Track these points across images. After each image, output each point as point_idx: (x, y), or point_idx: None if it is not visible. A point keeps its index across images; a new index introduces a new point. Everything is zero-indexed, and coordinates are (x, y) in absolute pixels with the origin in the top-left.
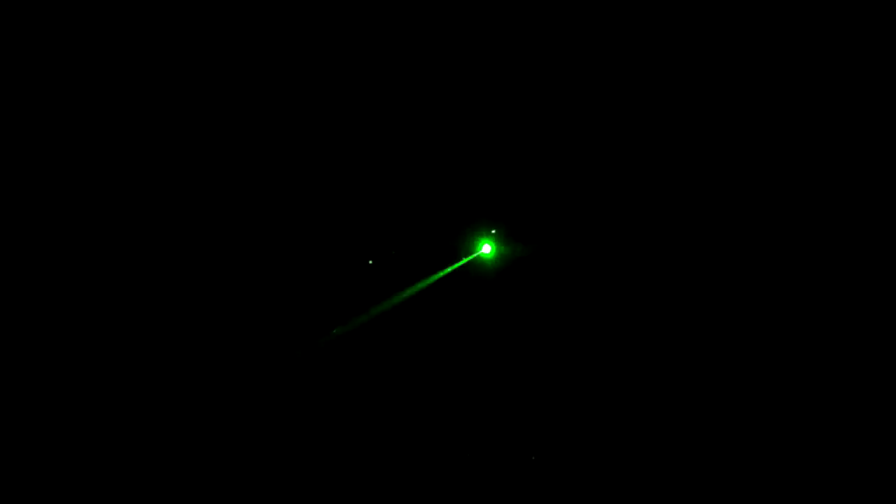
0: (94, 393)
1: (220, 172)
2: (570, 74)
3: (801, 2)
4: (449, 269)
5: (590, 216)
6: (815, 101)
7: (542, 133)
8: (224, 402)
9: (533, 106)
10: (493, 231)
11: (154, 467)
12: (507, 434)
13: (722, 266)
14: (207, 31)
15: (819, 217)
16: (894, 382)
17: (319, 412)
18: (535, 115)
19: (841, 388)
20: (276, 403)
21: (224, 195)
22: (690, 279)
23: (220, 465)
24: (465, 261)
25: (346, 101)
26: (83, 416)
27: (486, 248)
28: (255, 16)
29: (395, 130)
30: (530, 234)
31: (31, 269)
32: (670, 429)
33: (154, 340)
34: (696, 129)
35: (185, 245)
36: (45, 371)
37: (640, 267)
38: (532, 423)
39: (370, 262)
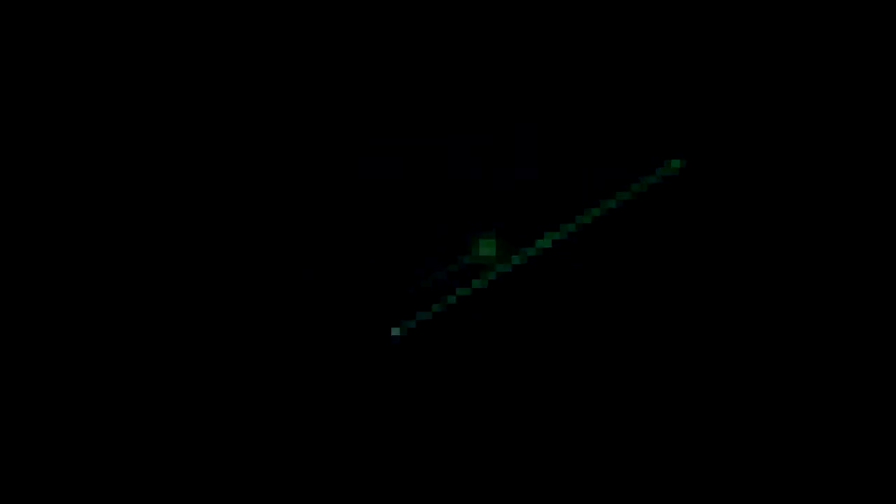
0: (94, 392)
1: (217, 173)
2: (569, 74)
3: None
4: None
5: (590, 216)
6: (813, 99)
7: (542, 133)
8: (225, 401)
9: (533, 106)
10: (493, 231)
11: (154, 467)
12: (508, 434)
13: (722, 265)
14: (205, 30)
15: (818, 215)
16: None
17: (320, 412)
18: (535, 116)
19: (841, 388)
20: (277, 403)
21: (222, 195)
22: (690, 278)
23: (221, 464)
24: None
25: (345, 101)
26: (83, 415)
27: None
28: (253, 15)
29: (394, 130)
30: (530, 233)
31: (31, 269)
32: (670, 428)
33: (154, 340)
34: (695, 129)
35: (185, 245)
36: (45, 370)
37: (640, 266)
38: (532, 423)
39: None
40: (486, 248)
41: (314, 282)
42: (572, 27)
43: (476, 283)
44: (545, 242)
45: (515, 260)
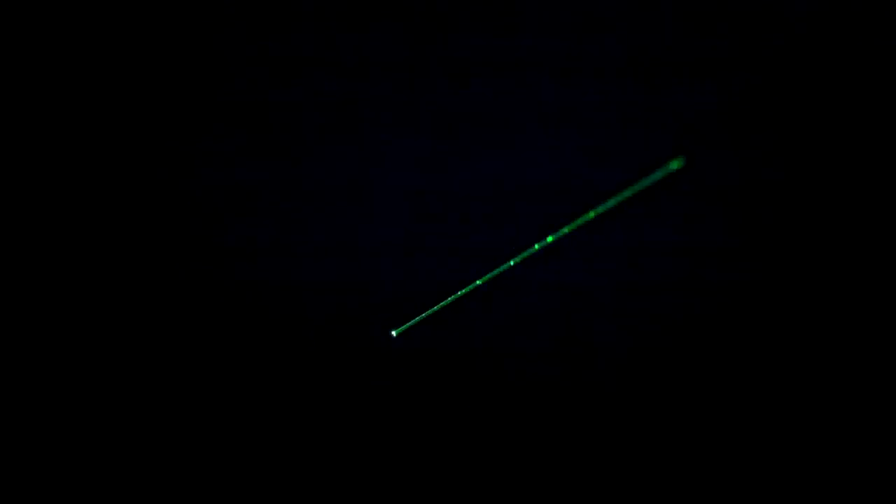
0: (92, 390)
1: (216, 171)
2: (569, 74)
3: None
4: None
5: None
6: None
7: (541, 133)
8: (224, 401)
9: (532, 106)
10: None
11: (150, 467)
12: (508, 434)
13: (722, 265)
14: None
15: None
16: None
17: (320, 412)
18: (535, 116)
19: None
20: (277, 403)
21: (221, 195)
22: (690, 278)
23: (219, 464)
24: None
25: (343, 99)
26: (81, 413)
27: None
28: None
29: (393, 130)
30: (530, 233)
31: (30, 266)
32: (671, 427)
33: (151, 338)
34: (695, 129)
35: (184, 243)
36: (45, 367)
37: (640, 267)
38: (532, 423)
39: None
40: None
41: (314, 282)
42: (571, 26)
43: (476, 283)
44: (545, 242)
45: (515, 260)
